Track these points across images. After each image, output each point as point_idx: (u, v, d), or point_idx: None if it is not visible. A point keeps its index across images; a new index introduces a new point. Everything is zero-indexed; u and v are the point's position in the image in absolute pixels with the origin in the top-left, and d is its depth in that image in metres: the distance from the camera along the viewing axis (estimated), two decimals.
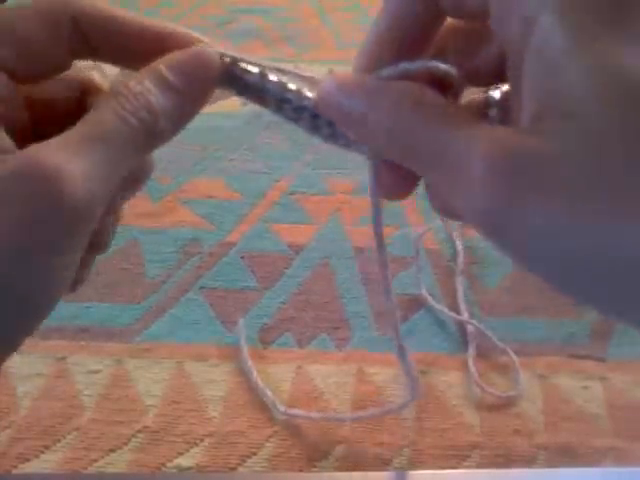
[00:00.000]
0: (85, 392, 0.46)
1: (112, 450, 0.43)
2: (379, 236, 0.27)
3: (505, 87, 0.23)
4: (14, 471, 0.42)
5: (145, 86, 0.22)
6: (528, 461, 0.43)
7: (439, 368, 0.48)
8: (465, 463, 0.43)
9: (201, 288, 0.53)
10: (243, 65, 0.24)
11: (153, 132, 0.22)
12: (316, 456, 0.43)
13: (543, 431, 0.45)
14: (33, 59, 0.22)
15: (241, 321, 0.50)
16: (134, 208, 0.58)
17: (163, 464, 0.42)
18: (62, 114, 0.22)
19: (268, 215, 0.60)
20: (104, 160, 0.20)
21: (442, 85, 0.22)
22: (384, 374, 0.48)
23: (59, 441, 0.43)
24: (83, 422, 0.44)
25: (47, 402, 0.45)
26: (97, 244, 0.25)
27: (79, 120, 0.21)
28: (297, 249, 0.57)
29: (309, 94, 0.24)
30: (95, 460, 0.42)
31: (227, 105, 0.63)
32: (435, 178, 0.20)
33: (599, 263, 0.17)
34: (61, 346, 0.49)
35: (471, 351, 0.49)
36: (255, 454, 0.43)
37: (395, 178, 0.24)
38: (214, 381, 0.47)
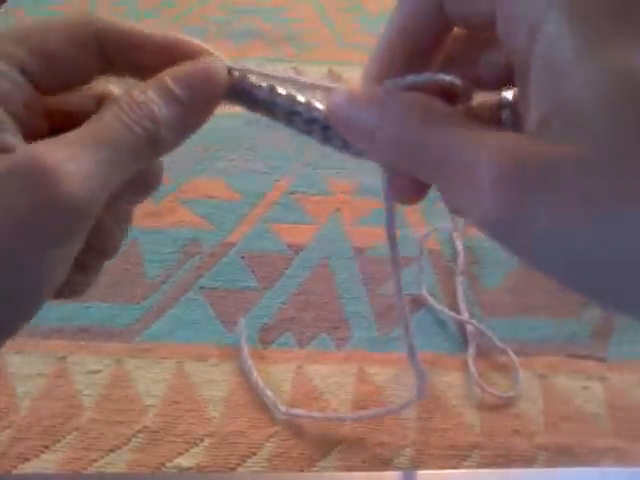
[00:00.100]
0: (85, 392, 0.46)
1: (112, 450, 0.43)
2: (392, 239, 0.27)
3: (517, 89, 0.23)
4: (14, 471, 0.42)
5: (148, 96, 0.22)
6: (528, 461, 0.43)
7: (439, 368, 0.48)
8: (465, 463, 0.43)
9: (201, 288, 0.53)
10: (252, 79, 0.25)
11: (155, 141, 0.22)
12: (316, 456, 0.43)
13: (543, 431, 0.45)
14: (59, 72, 0.22)
15: (242, 321, 0.50)
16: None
17: (163, 464, 0.42)
18: (79, 125, 0.22)
19: (268, 215, 0.60)
20: (103, 161, 0.20)
21: (450, 95, 0.22)
22: (384, 374, 0.48)
23: (59, 441, 0.43)
24: (83, 422, 0.44)
25: (47, 402, 0.45)
26: (104, 250, 0.25)
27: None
28: (297, 249, 0.57)
29: (319, 106, 0.24)
30: (95, 460, 0.42)
31: (227, 105, 0.63)
32: (445, 186, 0.20)
33: (610, 264, 0.17)
34: (61, 346, 0.49)
35: (471, 351, 0.49)
36: (255, 454, 0.43)
37: (408, 183, 0.24)
38: (214, 381, 0.47)
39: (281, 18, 0.91)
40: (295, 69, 0.79)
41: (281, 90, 0.24)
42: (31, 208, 0.19)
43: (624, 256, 0.17)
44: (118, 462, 0.42)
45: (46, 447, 0.43)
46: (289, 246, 0.57)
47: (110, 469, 0.42)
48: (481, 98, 0.24)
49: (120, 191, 0.22)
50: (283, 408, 0.44)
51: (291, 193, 0.62)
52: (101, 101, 0.24)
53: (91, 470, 0.42)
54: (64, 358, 0.48)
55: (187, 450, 0.43)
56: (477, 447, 0.44)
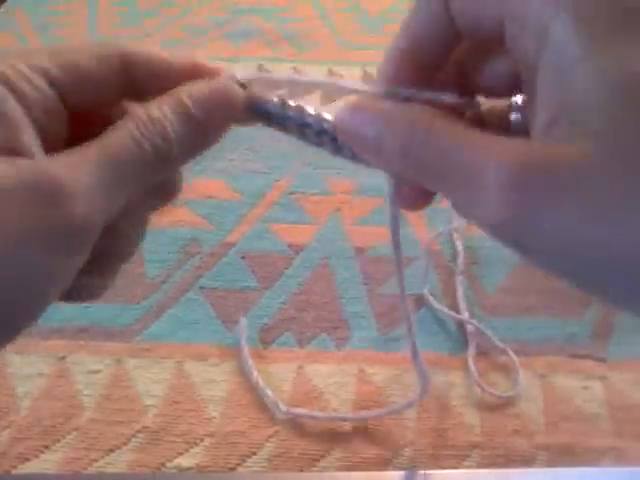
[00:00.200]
0: (85, 392, 0.46)
1: (112, 450, 0.43)
2: (397, 245, 0.27)
3: None
4: (14, 471, 0.42)
5: (163, 112, 0.22)
6: (528, 461, 0.43)
7: (439, 368, 0.48)
8: (465, 463, 0.43)
9: (201, 288, 0.53)
10: (264, 96, 0.25)
11: (166, 158, 0.22)
12: (316, 456, 0.43)
13: (543, 431, 0.45)
14: (85, 87, 0.23)
15: (243, 320, 0.50)
16: None
17: (163, 464, 0.42)
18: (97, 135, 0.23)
19: (268, 215, 0.60)
20: (112, 179, 0.21)
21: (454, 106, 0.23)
22: (384, 374, 0.48)
23: (59, 441, 0.43)
24: (83, 422, 0.44)
25: (47, 402, 0.45)
26: (121, 254, 0.25)
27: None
28: (297, 249, 0.57)
29: (328, 117, 0.24)
30: (95, 460, 0.42)
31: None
32: (453, 193, 0.21)
33: (615, 263, 0.17)
34: (61, 346, 0.49)
35: (471, 351, 0.49)
36: (255, 454, 0.43)
37: (414, 191, 0.25)
38: (214, 381, 0.47)
39: (281, 18, 0.91)
40: (295, 69, 0.79)
41: (292, 102, 0.25)
42: (36, 221, 0.19)
43: (627, 256, 0.17)
44: (118, 462, 0.42)
45: (46, 447, 0.43)
46: (289, 246, 0.57)
47: (110, 469, 0.42)
48: (490, 103, 0.24)
49: (137, 200, 0.23)
50: (284, 407, 0.44)
51: (291, 193, 0.62)
52: (121, 116, 0.24)
53: (91, 470, 0.42)
54: (64, 358, 0.48)
55: (187, 450, 0.43)
56: (477, 447, 0.44)
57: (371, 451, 0.43)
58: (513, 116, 0.23)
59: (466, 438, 0.44)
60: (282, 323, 0.51)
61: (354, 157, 0.24)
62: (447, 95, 0.23)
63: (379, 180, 0.24)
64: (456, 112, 0.23)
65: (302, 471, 0.42)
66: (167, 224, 0.58)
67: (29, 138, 0.21)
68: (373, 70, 0.74)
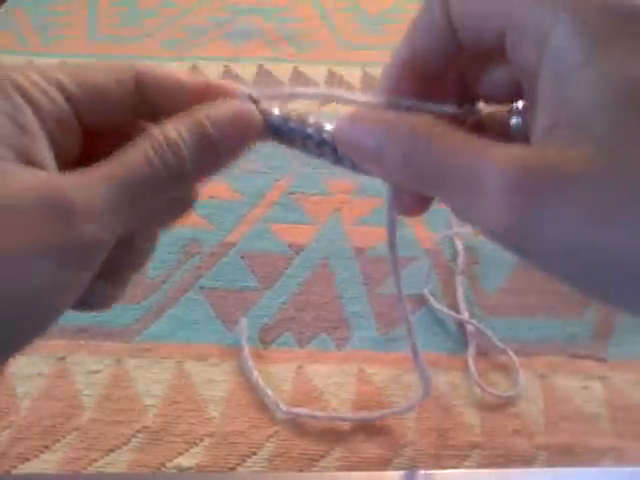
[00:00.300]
0: (85, 392, 0.46)
1: (112, 450, 0.43)
2: (394, 252, 0.27)
3: None
4: (14, 471, 0.42)
5: (178, 130, 0.22)
6: (528, 461, 0.43)
7: (439, 368, 0.48)
8: (465, 463, 0.43)
9: (201, 288, 0.53)
10: (267, 109, 0.25)
11: (178, 176, 0.23)
12: (316, 456, 0.43)
13: (543, 431, 0.45)
14: (103, 111, 0.24)
15: (243, 320, 0.50)
16: None
17: (163, 464, 0.42)
18: (110, 152, 0.23)
19: (268, 215, 0.60)
20: (123, 199, 0.21)
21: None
22: (384, 374, 0.48)
23: (59, 441, 0.43)
24: (83, 422, 0.44)
25: (47, 402, 0.45)
26: (132, 265, 0.26)
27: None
28: (297, 249, 0.57)
29: (328, 127, 0.24)
30: (95, 460, 0.42)
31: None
32: (454, 200, 0.21)
33: (616, 267, 0.17)
34: (61, 346, 0.49)
35: (471, 351, 0.49)
36: (255, 454, 0.43)
37: (412, 198, 0.25)
38: (214, 381, 0.47)
39: (281, 18, 0.91)
40: (295, 69, 0.80)
41: (293, 113, 0.25)
42: (50, 238, 0.20)
43: (631, 259, 0.17)
44: (118, 462, 0.42)
45: (46, 447, 0.43)
46: (289, 246, 0.57)
47: (110, 469, 0.42)
48: (490, 109, 0.25)
49: (151, 215, 0.23)
50: (284, 407, 0.44)
51: (291, 193, 0.62)
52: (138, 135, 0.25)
53: (91, 470, 0.42)
54: (64, 358, 0.48)
55: (187, 450, 0.43)
56: (477, 447, 0.44)
57: (371, 451, 0.43)
58: (513, 121, 0.24)
59: (466, 438, 0.44)
60: (282, 323, 0.51)
61: (354, 167, 0.25)
62: (448, 106, 0.24)
63: (379, 180, 0.24)
64: (457, 120, 0.23)
65: (302, 471, 0.42)
66: None
67: (44, 149, 0.22)
68: (373, 70, 0.74)
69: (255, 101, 0.24)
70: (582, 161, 0.17)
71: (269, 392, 0.45)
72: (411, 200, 0.25)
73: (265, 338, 0.50)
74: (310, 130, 0.25)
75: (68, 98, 0.23)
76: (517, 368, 0.47)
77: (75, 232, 0.20)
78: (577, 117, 0.18)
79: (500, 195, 0.18)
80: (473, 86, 0.24)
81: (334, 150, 0.24)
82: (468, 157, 0.19)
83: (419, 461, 0.43)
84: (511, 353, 0.48)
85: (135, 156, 0.22)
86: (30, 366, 0.47)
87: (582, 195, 0.17)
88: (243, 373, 0.47)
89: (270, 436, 0.44)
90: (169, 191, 0.23)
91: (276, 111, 0.25)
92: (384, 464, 0.43)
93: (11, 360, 0.47)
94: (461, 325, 0.51)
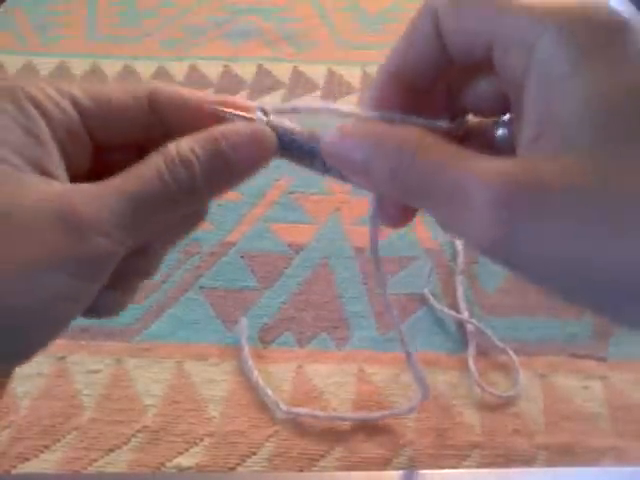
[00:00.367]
0: (85, 392, 0.46)
1: (112, 450, 0.43)
2: (377, 261, 0.28)
3: None
4: (14, 471, 0.42)
5: (191, 146, 0.23)
6: (528, 461, 0.43)
7: (439, 367, 0.48)
8: (465, 463, 0.43)
9: (201, 288, 0.53)
10: (278, 123, 0.25)
11: (189, 191, 0.23)
12: (316, 456, 0.43)
13: (543, 431, 0.45)
14: (116, 128, 0.24)
15: (243, 320, 0.50)
16: None
17: (163, 464, 0.42)
18: (121, 164, 0.23)
19: (268, 215, 0.60)
20: (133, 213, 0.22)
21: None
22: (384, 374, 0.48)
23: (59, 441, 0.43)
24: (83, 422, 0.44)
25: (47, 402, 0.45)
26: (142, 273, 0.26)
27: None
28: (297, 249, 0.57)
29: (317, 137, 0.24)
30: (95, 460, 0.42)
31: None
32: (441, 215, 0.21)
33: (601, 277, 0.18)
34: (61, 346, 0.49)
35: (471, 350, 0.49)
36: (255, 454, 0.43)
37: (397, 210, 0.25)
38: (214, 381, 0.47)
39: (280, 18, 0.90)
40: (295, 68, 0.79)
41: (280, 122, 0.25)
42: (63, 251, 0.20)
43: (621, 276, 0.17)
44: (118, 462, 0.42)
45: (46, 447, 0.43)
46: (289, 246, 0.57)
47: (110, 469, 0.42)
48: (477, 120, 0.25)
49: (164, 228, 0.23)
50: (284, 407, 0.44)
51: (291, 193, 0.62)
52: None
53: (91, 470, 0.42)
54: (64, 358, 0.48)
55: (187, 450, 0.43)
56: (477, 447, 0.44)
57: (371, 451, 0.43)
58: (499, 132, 0.24)
59: (466, 438, 0.44)
60: (282, 323, 0.51)
61: (343, 177, 0.25)
62: (442, 121, 0.24)
63: None
64: (445, 132, 0.23)
65: (302, 471, 0.42)
66: None
67: (56, 159, 0.22)
68: (373, 70, 0.74)
69: (266, 113, 0.24)
70: (567, 174, 0.17)
71: (269, 392, 0.45)
72: (396, 212, 0.25)
73: (265, 338, 0.50)
74: (297, 137, 0.25)
75: (81, 112, 0.23)
76: (517, 368, 0.47)
77: (86, 245, 0.21)
78: (562, 128, 0.18)
79: (486, 209, 0.18)
80: (461, 99, 0.24)
81: (324, 161, 0.24)
82: (453, 171, 0.19)
83: (419, 461, 0.43)
84: (511, 353, 0.48)
85: (147, 170, 0.22)
86: (30, 366, 0.47)
87: (567, 208, 0.17)
88: (243, 373, 0.47)
89: (270, 436, 0.44)
90: (180, 206, 0.23)
91: (286, 123, 0.25)
92: (384, 464, 0.43)
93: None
94: (461, 325, 0.51)
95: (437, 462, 0.43)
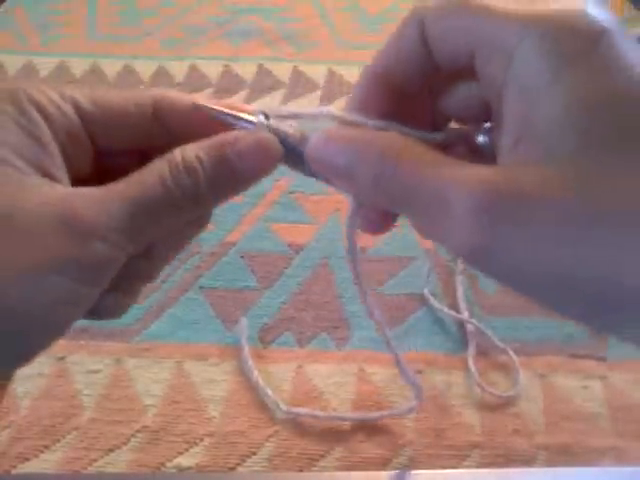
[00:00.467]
0: (85, 392, 0.46)
1: (112, 450, 0.43)
2: (356, 270, 0.28)
3: None
4: (14, 471, 0.42)
5: (198, 154, 0.23)
6: (528, 461, 0.43)
7: (439, 367, 0.48)
8: (465, 463, 0.43)
9: (201, 288, 0.53)
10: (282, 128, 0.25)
11: (193, 197, 0.23)
12: (316, 456, 0.43)
13: (543, 431, 0.45)
14: (118, 133, 0.24)
15: (243, 320, 0.50)
16: None
17: (163, 464, 0.42)
18: (124, 168, 0.23)
19: (268, 215, 0.60)
20: (135, 219, 0.22)
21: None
22: (384, 374, 0.48)
23: (59, 441, 0.43)
24: (83, 422, 0.44)
25: (47, 402, 0.45)
26: (147, 275, 0.26)
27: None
28: (297, 249, 0.57)
29: (305, 138, 0.24)
30: (95, 460, 0.42)
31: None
32: (421, 220, 0.21)
33: (584, 288, 0.18)
34: (61, 346, 0.49)
35: (471, 350, 0.49)
36: (255, 454, 0.43)
37: (378, 216, 0.25)
38: (214, 381, 0.47)
39: (281, 17, 0.91)
40: (295, 68, 0.79)
41: (273, 123, 0.25)
42: (65, 254, 0.21)
43: (591, 281, 0.17)
44: (118, 462, 0.42)
45: (46, 447, 0.43)
46: (289, 246, 0.57)
47: (110, 469, 0.42)
48: (459, 127, 0.25)
49: (168, 233, 0.24)
50: (284, 407, 0.44)
51: (291, 192, 0.62)
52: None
53: (91, 470, 0.42)
54: (64, 358, 0.48)
55: (187, 450, 0.43)
56: (477, 447, 0.44)
57: (371, 451, 0.43)
58: (480, 139, 0.24)
59: (466, 438, 0.44)
60: (282, 323, 0.51)
61: (328, 181, 0.25)
62: (436, 133, 0.24)
63: None
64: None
65: (302, 471, 0.42)
66: None
67: (58, 161, 0.22)
68: None
69: (267, 116, 0.24)
70: (547, 185, 0.17)
71: (269, 392, 0.45)
72: (377, 217, 0.25)
73: (265, 338, 0.50)
74: (293, 142, 0.25)
75: (82, 116, 0.23)
76: (517, 368, 0.47)
77: (88, 249, 0.21)
78: (542, 135, 0.18)
79: (466, 217, 0.18)
80: (444, 105, 0.24)
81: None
82: (434, 180, 0.19)
83: (418, 461, 0.43)
84: (511, 353, 0.48)
85: (149, 176, 0.22)
86: (30, 366, 0.47)
87: (547, 219, 0.17)
88: (243, 373, 0.47)
89: (270, 436, 0.44)
90: (184, 213, 0.23)
91: (282, 126, 0.25)
92: (384, 464, 0.43)
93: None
94: (461, 325, 0.51)
95: (437, 462, 0.43)
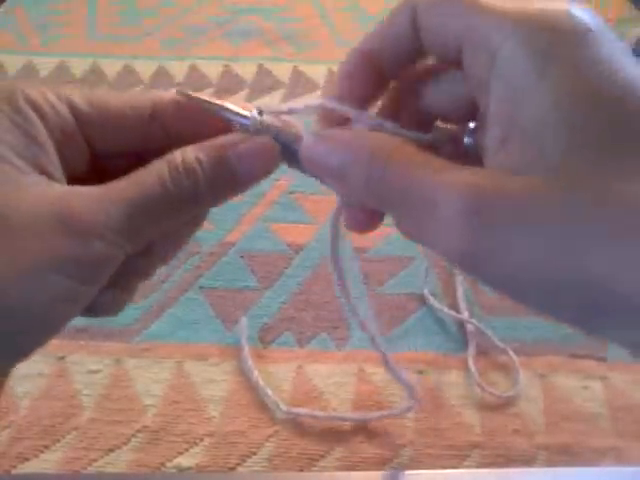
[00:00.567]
0: (84, 392, 0.46)
1: (112, 450, 0.43)
2: (339, 269, 0.28)
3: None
4: (14, 471, 0.42)
5: (198, 155, 0.23)
6: (528, 461, 0.43)
7: (439, 367, 0.48)
8: (465, 463, 0.43)
9: (201, 288, 0.53)
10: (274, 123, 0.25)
11: (191, 198, 0.23)
12: (316, 456, 0.43)
13: (543, 431, 0.45)
14: (114, 135, 0.24)
15: (243, 320, 0.50)
16: None
17: (163, 464, 0.42)
18: (121, 167, 0.23)
19: (268, 215, 0.60)
20: (133, 218, 0.22)
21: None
22: (384, 374, 0.48)
23: (59, 441, 0.43)
24: (83, 422, 0.44)
25: (47, 402, 0.45)
26: (144, 272, 0.26)
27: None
28: (297, 249, 0.57)
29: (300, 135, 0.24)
30: (95, 460, 0.42)
31: None
32: (410, 221, 0.21)
33: (572, 289, 0.17)
34: (61, 346, 0.49)
35: (471, 350, 0.49)
36: (255, 454, 0.43)
37: (365, 214, 0.25)
38: (214, 381, 0.47)
39: (281, 17, 0.91)
40: (295, 68, 0.79)
41: (268, 120, 0.25)
42: (63, 252, 0.21)
43: (579, 286, 0.17)
44: (118, 462, 0.42)
45: (46, 447, 0.43)
46: (289, 245, 0.57)
47: (110, 469, 0.42)
48: (445, 127, 0.25)
49: (166, 232, 0.24)
50: (284, 407, 0.44)
51: (291, 192, 0.62)
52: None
53: (91, 470, 0.42)
54: (63, 358, 0.48)
55: (187, 450, 0.43)
56: (477, 447, 0.44)
57: (371, 451, 0.43)
58: (466, 139, 0.24)
59: (466, 438, 0.44)
60: (282, 323, 0.51)
61: (322, 179, 0.25)
62: (429, 135, 0.24)
63: None
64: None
65: (302, 471, 0.42)
66: None
67: (54, 159, 0.22)
68: None
69: (261, 112, 0.24)
70: (536, 184, 0.17)
71: (269, 392, 0.45)
72: (364, 216, 0.25)
73: (265, 338, 0.50)
74: (287, 139, 0.24)
75: (78, 116, 0.23)
76: (517, 368, 0.47)
77: (85, 248, 0.21)
78: (530, 134, 0.18)
79: (453, 221, 0.18)
80: (430, 103, 0.24)
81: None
82: (424, 182, 0.19)
83: (419, 461, 0.43)
84: (511, 353, 0.48)
85: (149, 177, 0.22)
86: (30, 366, 0.47)
87: (534, 224, 0.17)
88: (243, 373, 0.47)
89: (270, 436, 0.44)
90: (182, 213, 0.23)
91: (276, 122, 0.25)
92: (384, 464, 0.43)
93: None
94: (461, 325, 0.51)
95: (437, 462, 0.43)
